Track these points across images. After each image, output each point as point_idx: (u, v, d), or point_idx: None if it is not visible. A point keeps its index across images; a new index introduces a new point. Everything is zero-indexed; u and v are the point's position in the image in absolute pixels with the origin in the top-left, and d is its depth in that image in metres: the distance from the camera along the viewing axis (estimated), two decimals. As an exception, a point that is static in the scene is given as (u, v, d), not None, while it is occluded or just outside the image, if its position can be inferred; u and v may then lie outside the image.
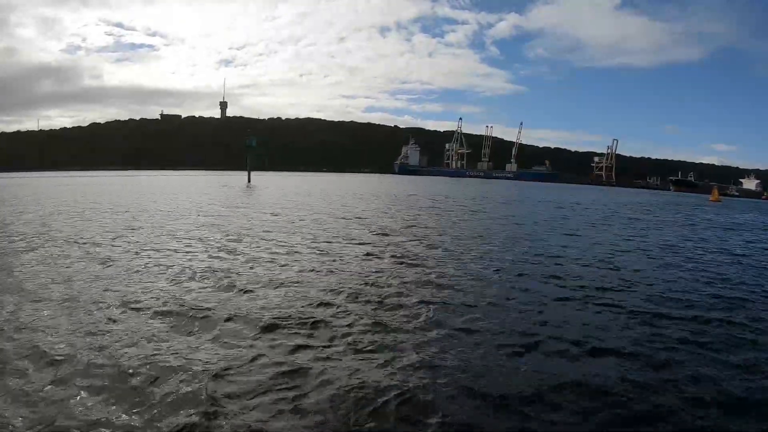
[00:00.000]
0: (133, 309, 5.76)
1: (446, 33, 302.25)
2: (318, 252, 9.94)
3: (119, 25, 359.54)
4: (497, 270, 8.71)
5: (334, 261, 9.05)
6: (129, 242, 10.61)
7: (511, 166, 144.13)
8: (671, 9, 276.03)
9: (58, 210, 17.65)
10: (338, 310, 5.98)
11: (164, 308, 5.81)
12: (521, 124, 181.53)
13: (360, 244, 11.21)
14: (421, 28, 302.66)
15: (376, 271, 8.25)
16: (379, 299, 6.47)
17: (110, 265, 8.15)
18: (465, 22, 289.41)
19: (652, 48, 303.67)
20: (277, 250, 9.96)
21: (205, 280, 7.29)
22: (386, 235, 13.02)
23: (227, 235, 11.98)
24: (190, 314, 5.61)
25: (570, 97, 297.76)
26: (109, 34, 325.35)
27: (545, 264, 9.48)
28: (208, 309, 5.83)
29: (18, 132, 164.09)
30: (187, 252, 9.60)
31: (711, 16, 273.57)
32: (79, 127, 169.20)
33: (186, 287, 6.84)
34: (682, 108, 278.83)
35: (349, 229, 14.05)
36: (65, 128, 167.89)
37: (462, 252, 10.55)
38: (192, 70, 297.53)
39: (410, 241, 12.00)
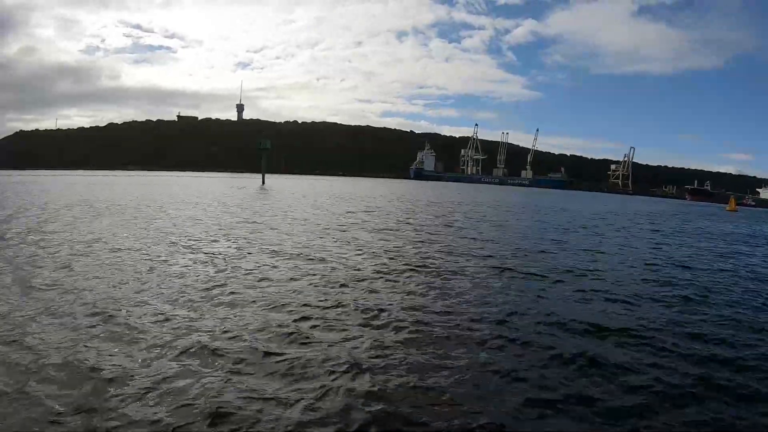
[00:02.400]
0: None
1: (463, 38, 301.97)
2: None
3: (137, 26, 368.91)
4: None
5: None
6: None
7: (527, 173, 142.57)
8: (689, 16, 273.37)
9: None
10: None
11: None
12: (537, 130, 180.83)
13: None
14: (437, 34, 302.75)
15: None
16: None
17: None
18: (482, 28, 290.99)
19: (669, 55, 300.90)
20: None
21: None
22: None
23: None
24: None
25: (586, 104, 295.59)
26: (128, 36, 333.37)
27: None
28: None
29: (36, 130, 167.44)
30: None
31: (729, 23, 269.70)
32: (96, 126, 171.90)
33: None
34: (698, 116, 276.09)
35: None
36: (83, 128, 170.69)
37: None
38: (209, 72, 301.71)
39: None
